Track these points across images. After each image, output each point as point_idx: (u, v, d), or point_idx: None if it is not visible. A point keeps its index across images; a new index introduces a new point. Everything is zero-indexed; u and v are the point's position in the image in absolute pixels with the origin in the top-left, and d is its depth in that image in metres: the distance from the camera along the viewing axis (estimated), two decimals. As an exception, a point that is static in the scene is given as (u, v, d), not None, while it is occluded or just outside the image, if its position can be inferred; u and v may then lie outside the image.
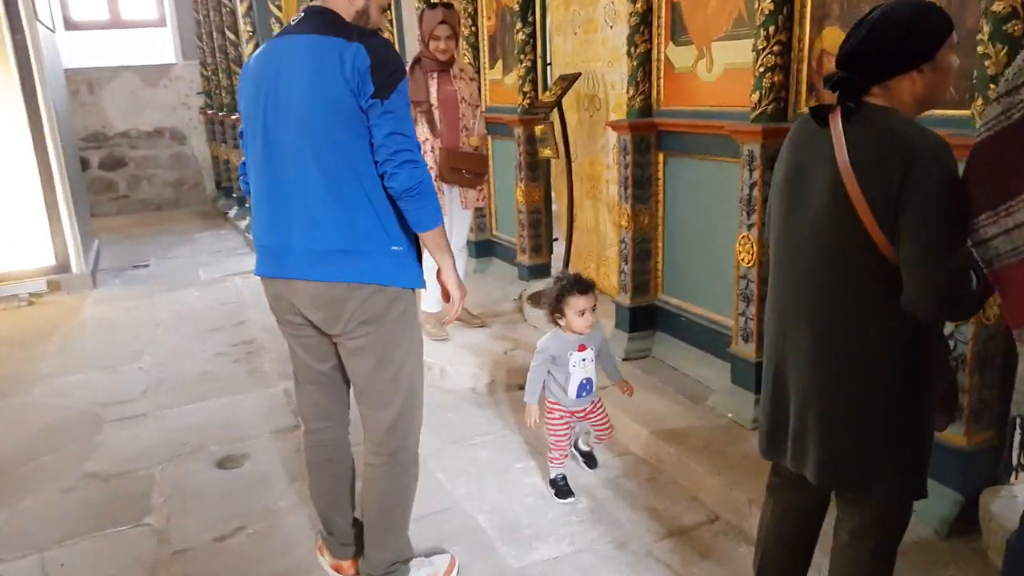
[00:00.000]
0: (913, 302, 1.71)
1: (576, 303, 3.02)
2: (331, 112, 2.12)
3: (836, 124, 1.79)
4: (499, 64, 5.97)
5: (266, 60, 2.25)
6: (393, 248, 2.24)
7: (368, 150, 2.16)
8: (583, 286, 3.04)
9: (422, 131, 4.52)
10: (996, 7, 2.28)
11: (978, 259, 1.72)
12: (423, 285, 2.35)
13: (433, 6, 4.50)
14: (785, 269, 1.96)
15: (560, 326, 3.10)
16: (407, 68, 4.49)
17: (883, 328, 1.79)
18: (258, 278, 2.40)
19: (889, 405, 1.82)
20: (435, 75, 4.52)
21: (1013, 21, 2.28)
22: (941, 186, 1.67)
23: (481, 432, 3.68)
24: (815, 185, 1.83)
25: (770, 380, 2.03)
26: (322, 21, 2.19)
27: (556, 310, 3.07)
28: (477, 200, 4.78)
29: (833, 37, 3.02)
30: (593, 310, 3.05)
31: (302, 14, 2.27)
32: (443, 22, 4.40)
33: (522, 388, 4.13)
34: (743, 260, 3.39)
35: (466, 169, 4.56)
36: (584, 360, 3.11)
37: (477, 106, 4.68)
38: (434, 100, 4.51)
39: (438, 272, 2.41)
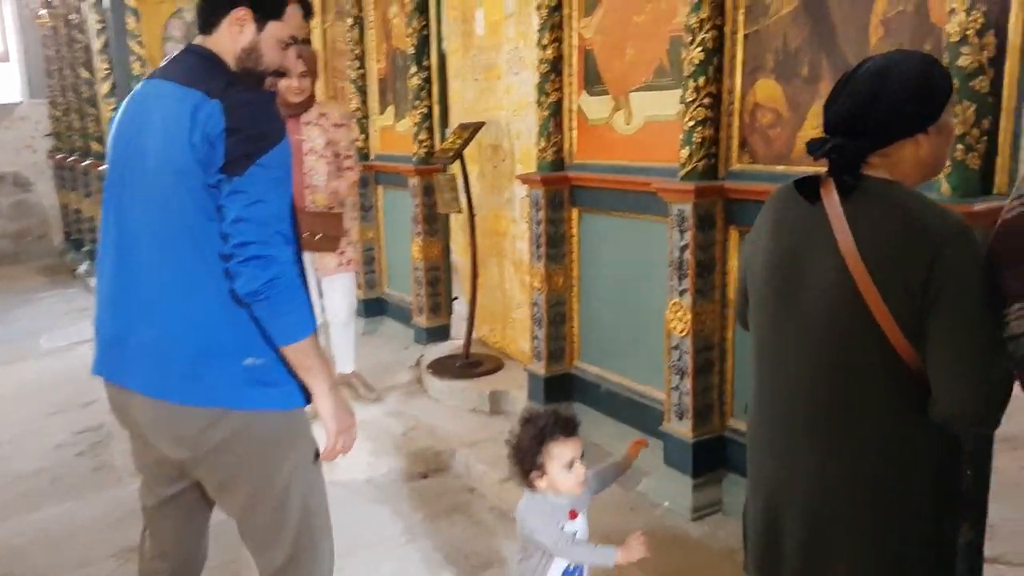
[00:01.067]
0: (951, 417, 1.42)
1: (561, 452, 2.00)
2: (179, 184, 1.66)
3: (833, 202, 1.49)
4: (390, 109, 5.56)
5: (130, 109, 1.83)
6: (247, 361, 1.71)
7: None
8: (567, 426, 2.04)
9: None
10: (962, 62, 2.09)
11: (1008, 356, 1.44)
12: (301, 403, 1.82)
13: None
14: (775, 371, 1.63)
15: (538, 488, 2.06)
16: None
17: (907, 441, 1.47)
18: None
19: (924, 531, 1.51)
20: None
21: (980, 77, 2.09)
22: (975, 280, 1.39)
23: (381, 537, 3.14)
24: (813, 276, 1.51)
25: (761, 498, 1.68)
26: (192, 65, 1.77)
27: (532, 466, 2.04)
28: (339, 266, 4.16)
29: (767, 90, 2.81)
30: (582, 457, 2.06)
31: (177, 51, 1.85)
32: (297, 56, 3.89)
33: (426, 477, 3.67)
34: (675, 329, 3.08)
35: (312, 232, 3.88)
36: (576, 533, 2.07)
37: (345, 156, 4.07)
38: None
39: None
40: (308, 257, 3.95)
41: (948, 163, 2.14)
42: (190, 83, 1.70)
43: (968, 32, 2.06)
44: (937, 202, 1.48)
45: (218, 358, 1.69)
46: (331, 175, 4.00)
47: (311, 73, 3.95)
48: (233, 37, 1.78)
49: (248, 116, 1.67)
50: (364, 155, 5.74)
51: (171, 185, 1.66)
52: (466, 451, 3.72)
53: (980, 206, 2.04)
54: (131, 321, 1.73)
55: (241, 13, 1.77)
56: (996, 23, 2.06)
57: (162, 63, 1.88)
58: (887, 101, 1.46)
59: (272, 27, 1.80)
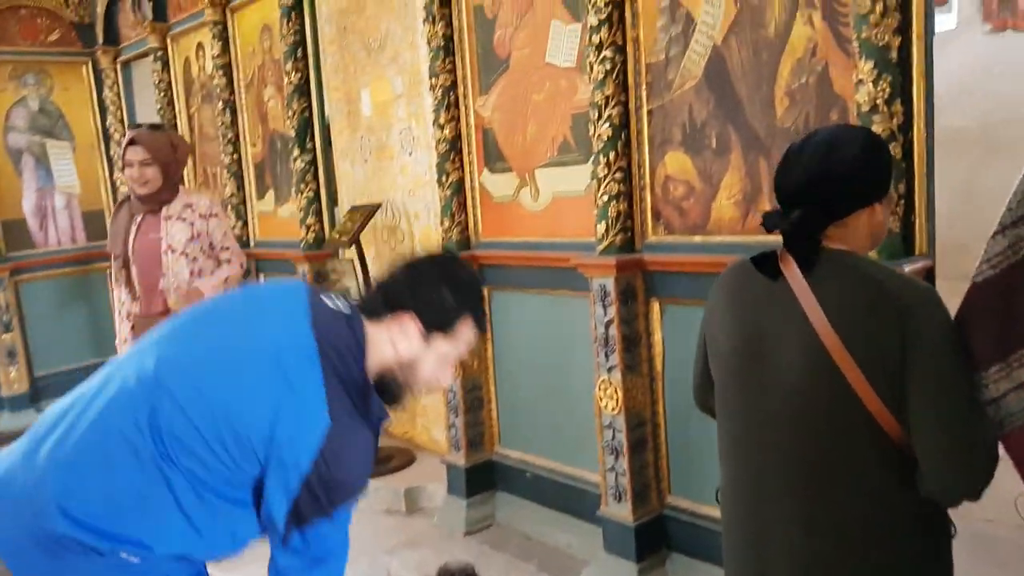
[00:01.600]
0: (941, 494, 1.40)
1: None
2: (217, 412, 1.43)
3: (796, 277, 1.46)
4: (269, 194, 5.30)
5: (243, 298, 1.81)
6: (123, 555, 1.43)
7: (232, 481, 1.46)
8: None
9: (120, 294, 3.58)
10: (875, 130, 2.15)
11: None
12: None
13: (135, 127, 3.65)
14: (748, 448, 1.56)
15: None
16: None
17: (895, 488, 1.44)
18: None
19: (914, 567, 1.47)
20: (140, 217, 3.52)
21: (892, 143, 2.17)
22: (949, 345, 1.39)
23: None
24: (785, 352, 1.47)
25: (744, 562, 1.59)
26: (334, 342, 1.50)
27: None
28: None
29: (677, 162, 2.83)
30: None
31: (341, 305, 1.58)
32: (132, 143, 3.43)
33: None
34: (606, 407, 2.99)
35: None
36: None
37: (222, 248, 3.58)
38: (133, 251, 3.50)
39: None
40: None
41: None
42: (323, 361, 1.46)
43: (877, 101, 2.13)
44: (898, 269, 1.49)
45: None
46: (203, 271, 3.52)
47: (157, 161, 3.41)
48: (393, 340, 1.55)
49: (339, 467, 1.42)
50: (244, 243, 5.42)
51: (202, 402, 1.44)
52: (385, 559, 3.43)
53: (908, 267, 2.09)
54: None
55: (406, 318, 1.54)
56: (902, 91, 2.15)
57: (317, 299, 1.57)
58: (847, 172, 1.46)
59: (439, 343, 1.56)
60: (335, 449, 1.40)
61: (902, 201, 2.18)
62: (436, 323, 1.55)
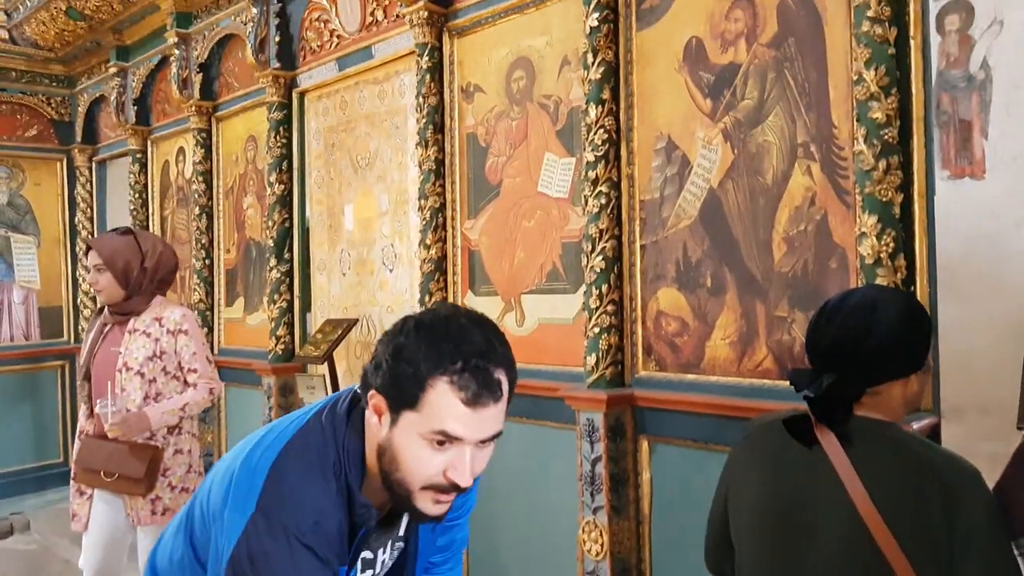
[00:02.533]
0: None
1: None
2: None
3: (835, 449, 1.40)
4: (239, 302, 5.17)
5: None
6: None
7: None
8: None
9: (83, 413, 3.28)
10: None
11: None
12: None
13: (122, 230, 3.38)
14: None
15: None
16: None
17: None
18: None
19: None
20: (109, 327, 3.26)
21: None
22: (995, 523, 1.33)
23: None
24: (822, 527, 1.39)
25: None
26: (324, 428, 1.35)
27: None
28: (152, 516, 3.10)
29: (670, 298, 2.81)
30: None
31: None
32: (89, 247, 3.20)
33: None
34: (590, 551, 2.83)
35: (106, 470, 3.01)
36: None
37: (189, 370, 3.18)
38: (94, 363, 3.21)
39: None
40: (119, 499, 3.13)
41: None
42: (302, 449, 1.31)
43: (881, 255, 2.14)
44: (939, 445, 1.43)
45: None
46: (162, 394, 3.14)
47: (111, 268, 3.10)
48: (371, 426, 1.33)
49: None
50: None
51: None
52: None
53: (916, 424, 2.04)
54: None
55: (373, 397, 1.30)
56: (905, 247, 2.17)
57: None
58: (886, 340, 1.41)
59: (410, 421, 1.25)
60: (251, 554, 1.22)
61: (905, 355, 2.15)
62: (398, 396, 1.24)
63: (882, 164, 2.12)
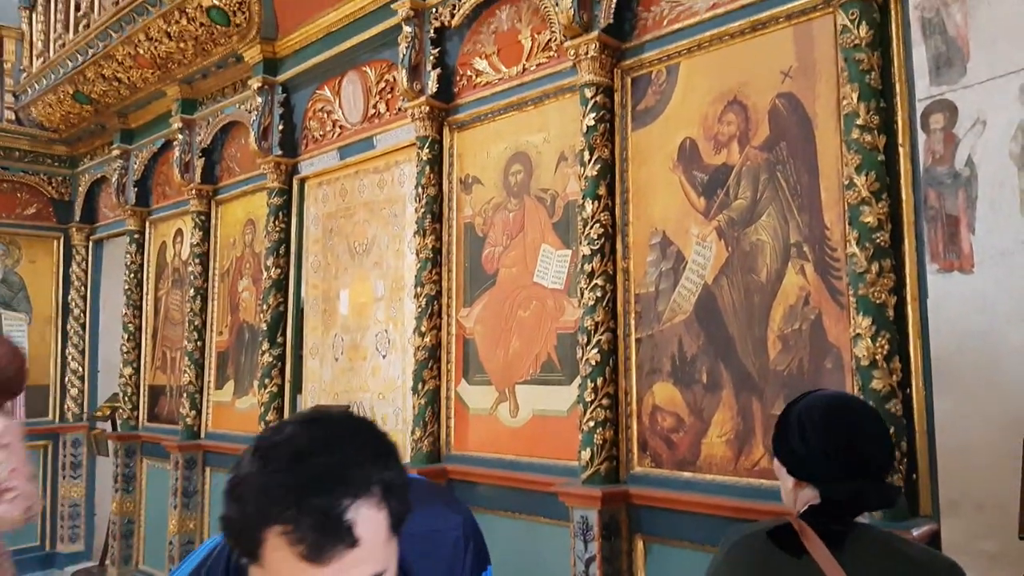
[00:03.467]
0: None
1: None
2: None
3: (824, 556, 1.38)
4: (229, 385, 5.11)
5: None
6: None
7: None
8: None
9: None
10: (876, 385, 2.16)
11: None
12: None
13: None
14: None
15: None
16: None
17: None
18: None
19: None
20: None
21: (893, 400, 2.16)
22: None
23: None
24: None
25: None
26: None
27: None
28: None
29: (666, 393, 2.79)
30: None
31: None
32: None
33: None
34: (584, 656, 2.73)
35: None
36: None
37: (4, 489, 2.90)
38: None
39: None
40: None
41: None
42: None
43: (876, 357, 2.15)
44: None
45: None
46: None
47: None
48: None
49: None
50: (194, 433, 5.16)
51: None
52: None
53: (916, 531, 2.01)
54: None
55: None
56: (900, 348, 2.18)
57: None
58: (887, 441, 1.47)
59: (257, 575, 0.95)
60: None
61: (904, 459, 2.14)
62: (238, 547, 0.95)
63: (875, 267, 2.16)
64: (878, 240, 2.18)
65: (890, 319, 2.16)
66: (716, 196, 2.71)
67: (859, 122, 2.24)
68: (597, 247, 2.91)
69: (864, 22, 2.27)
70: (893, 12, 2.31)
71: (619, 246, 2.96)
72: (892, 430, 2.12)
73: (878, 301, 2.16)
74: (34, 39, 6.66)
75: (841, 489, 1.42)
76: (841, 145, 2.34)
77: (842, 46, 2.32)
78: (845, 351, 2.31)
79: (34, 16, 6.77)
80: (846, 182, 2.27)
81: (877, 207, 2.20)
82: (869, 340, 2.16)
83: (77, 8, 6.07)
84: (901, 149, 2.27)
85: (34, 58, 6.58)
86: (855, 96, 2.25)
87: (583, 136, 2.98)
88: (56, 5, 6.40)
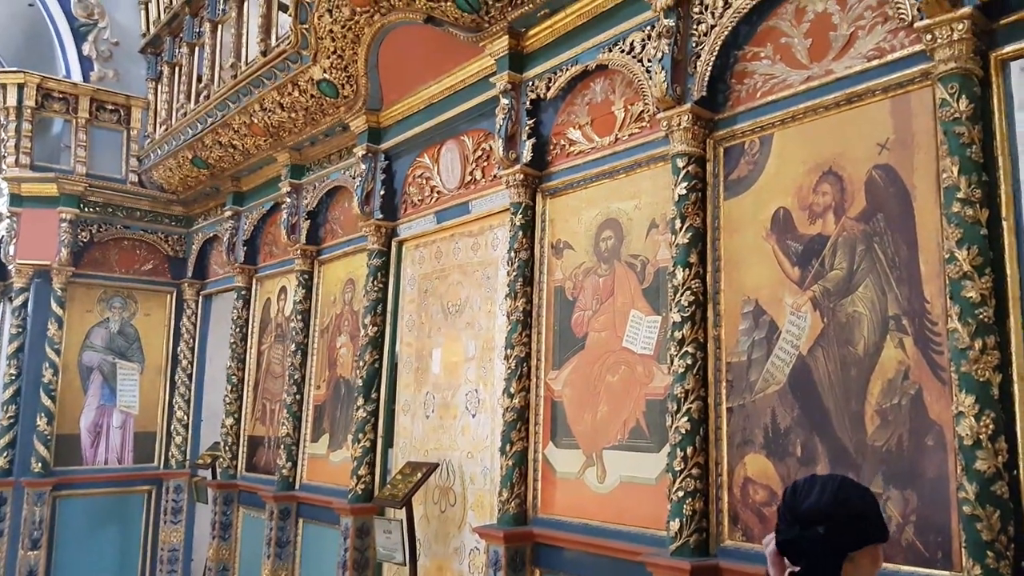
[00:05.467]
0: None
1: None
2: None
3: None
4: (324, 438, 5.29)
5: None
6: None
7: None
8: None
9: None
10: (980, 466, 2.08)
11: None
12: None
13: None
14: None
15: None
16: None
17: None
18: None
19: None
20: None
21: (999, 482, 2.08)
22: None
23: None
24: None
25: None
26: None
27: None
28: None
29: (758, 465, 2.75)
30: None
31: None
32: None
33: None
34: None
35: None
36: None
37: None
38: None
39: None
40: None
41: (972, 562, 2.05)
42: None
43: (980, 436, 2.08)
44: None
45: None
46: None
47: None
48: None
49: None
50: (289, 484, 5.34)
51: None
52: None
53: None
54: None
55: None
56: (1006, 428, 2.10)
57: None
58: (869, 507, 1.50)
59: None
60: None
61: (1012, 545, 2.04)
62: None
63: (978, 343, 2.10)
64: (981, 316, 2.13)
65: (995, 398, 2.09)
66: (811, 266, 2.69)
67: (960, 195, 2.21)
68: (688, 314, 2.93)
69: (964, 95, 2.26)
70: (994, 86, 2.29)
71: (710, 314, 2.97)
72: (998, 513, 2.04)
73: (982, 379, 2.09)
74: (158, 108, 7.26)
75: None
76: (941, 218, 2.30)
77: (941, 119, 2.31)
78: (947, 429, 2.24)
79: (159, 87, 7.39)
80: (947, 256, 2.24)
81: (980, 282, 2.15)
82: (972, 419, 2.09)
83: (199, 80, 6.60)
84: (1005, 223, 2.22)
85: (158, 125, 7.16)
86: (955, 169, 2.23)
87: (675, 204, 3.03)
88: (179, 77, 6.97)
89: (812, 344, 2.65)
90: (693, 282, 2.96)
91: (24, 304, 6.62)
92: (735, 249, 2.96)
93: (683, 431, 2.86)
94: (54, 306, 6.59)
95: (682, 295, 2.95)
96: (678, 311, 2.95)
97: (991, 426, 2.08)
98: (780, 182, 2.85)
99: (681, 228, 3.00)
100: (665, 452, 2.97)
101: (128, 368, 6.92)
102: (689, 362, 2.90)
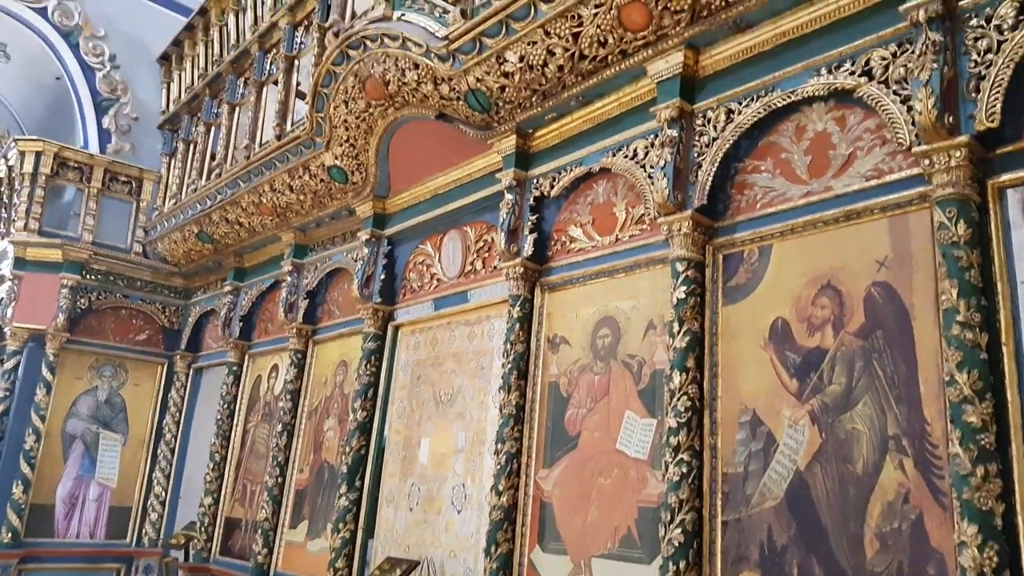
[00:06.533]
0: None
1: None
2: None
3: None
4: (303, 525, 5.13)
5: None
6: None
7: None
8: None
9: None
10: (982, 599, 2.00)
11: None
12: None
13: None
14: None
15: None
16: None
17: None
18: None
19: None
20: None
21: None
22: None
23: None
24: None
25: None
26: None
27: None
28: None
29: (751, 583, 2.65)
30: None
31: None
32: None
33: None
34: None
35: None
36: None
37: None
38: None
39: None
40: None
41: None
42: None
43: (984, 569, 2.01)
44: None
45: None
46: None
47: None
48: None
49: None
50: (263, 572, 5.14)
51: None
52: None
53: None
54: None
55: None
56: (1011, 561, 2.03)
57: None
58: None
59: None
60: None
61: None
62: None
63: (980, 470, 2.06)
64: (983, 442, 2.09)
65: (998, 528, 2.03)
66: (809, 379, 2.67)
67: (959, 318, 2.21)
68: (684, 420, 2.88)
69: (962, 220, 2.29)
70: (992, 212, 2.32)
71: (707, 421, 2.92)
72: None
73: (984, 508, 2.04)
74: (170, 182, 7.38)
75: None
76: (940, 339, 2.29)
77: (940, 241, 2.33)
78: (949, 558, 2.16)
79: (173, 162, 7.54)
80: (947, 378, 2.21)
81: (981, 407, 2.13)
82: (975, 550, 2.02)
83: (212, 157, 6.73)
84: (1005, 348, 2.21)
85: (167, 198, 7.26)
86: (954, 292, 2.24)
87: (673, 308, 3.03)
88: (193, 153, 7.12)
89: (810, 459, 2.59)
90: (690, 387, 2.92)
91: (15, 367, 6.54)
92: (733, 356, 2.94)
93: (676, 543, 2.76)
94: (45, 371, 6.52)
95: (678, 400, 2.91)
96: (674, 416, 2.90)
97: (995, 559, 2.01)
98: (779, 292, 2.85)
99: (679, 332, 2.99)
100: (657, 565, 2.87)
101: (111, 439, 6.78)
102: (684, 470, 2.83)
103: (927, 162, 2.38)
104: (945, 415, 2.23)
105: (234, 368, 6.29)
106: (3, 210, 7.28)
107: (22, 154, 6.75)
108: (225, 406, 6.20)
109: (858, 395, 2.51)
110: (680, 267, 3.06)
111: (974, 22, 2.41)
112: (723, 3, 2.97)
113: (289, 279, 5.68)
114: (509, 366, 3.74)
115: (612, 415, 3.36)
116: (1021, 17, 2.30)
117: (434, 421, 4.44)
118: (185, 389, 7.13)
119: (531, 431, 3.65)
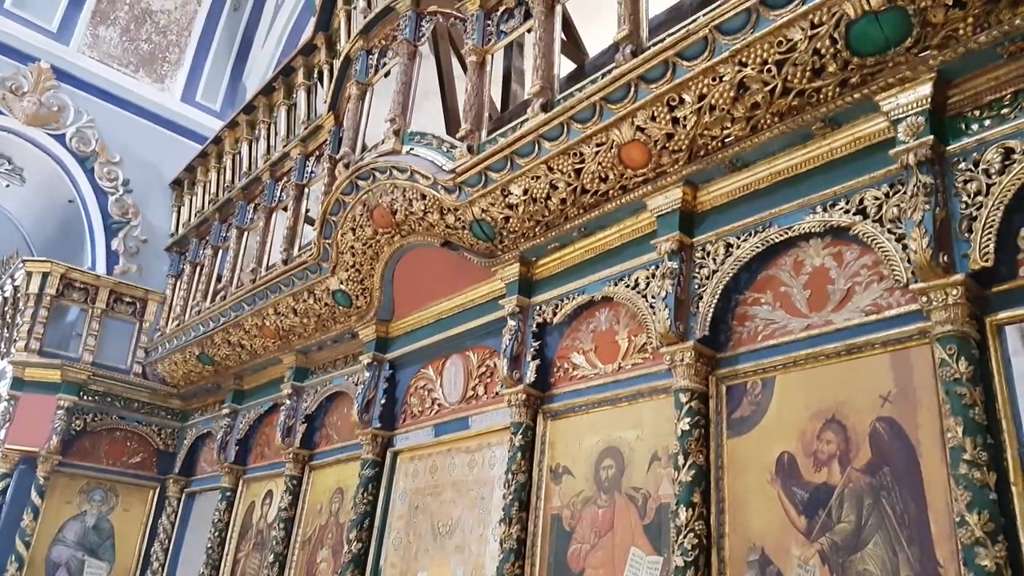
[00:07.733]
0: None
1: None
2: None
3: None
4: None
5: None
6: None
7: None
8: None
9: None
10: None
11: None
12: None
13: None
14: None
15: None
16: None
17: None
18: None
19: None
20: None
21: None
22: None
23: None
24: None
25: None
26: None
27: None
28: None
29: None
30: None
31: None
32: None
33: None
34: None
35: None
36: None
37: None
38: None
39: None
40: None
41: None
42: None
43: None
44: None
45: None
46: None
47: None
48: None
49: None
50: None
51: None
52: None
53: None
54: None
55: None
56: None
57: None
58: None
59: None
60: None
61: None
62: None
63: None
64: (1000, 588, 2.03)
65: None
66: (818, 516, 2.61)
67: (966, 457, 2.19)
68: (691, 559, 2.79)
69: (963, 357, 2.31)
70: (992, 349, 2.35)
71: (714, 559, 2.83)
72: None
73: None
74: (174, 303, 7.45)
75: None
76: (948, 478, 2.26)
77: (942, 378, 2.34)
78: None
79: (178, 284, 7.64)
80: (957, 519, 2.17)
81: (994, 550, 2.07)
82: None
83: (218, 279, 6.83)
84: (1014, 488, 2.17)
85: (171, 320, 7.31)
86: (960, 430, 2.23)
87: (678, 440, 3.00)
88: (199, 276, 7.23)
89: (823, 601, 2.50)
90: (696, 523, 2.85)
91: (3, 491, 6.38)
92: (740, 491, 2.88)
93: None
94: (34, 496, 6.36)
95: (685, 537, 2.84)
96: (681, 555, 2.82)
97: None
98: (783, 425, 2.84)
99: (684, 465, 2.95)
100: None
101: (96, 567, 6.53)
102: (693, 614, 2.73)
103: (925, 299, 2.43)
104: (958, 557, 2.17)
105: (227, 493, 6.14)
106: (5, 329, 7.31)
107: (29, 275, 6.85)
108: (216, 533, 6.01)
109: (868, 534, 2.45)
110: (684, 398, 3.05)
111: (962, 166, 2.52)
112: (719, 144, 3.11)
113: (288, 402, 5.64)
114: (511, 497, 3.66)
115: (617, 551, 3.26)
116: (1007, 162, 2.41)
117: (432, 555, 4.29)
118: (176, 515, 6.93)
119: (533, 568, 3.53)
